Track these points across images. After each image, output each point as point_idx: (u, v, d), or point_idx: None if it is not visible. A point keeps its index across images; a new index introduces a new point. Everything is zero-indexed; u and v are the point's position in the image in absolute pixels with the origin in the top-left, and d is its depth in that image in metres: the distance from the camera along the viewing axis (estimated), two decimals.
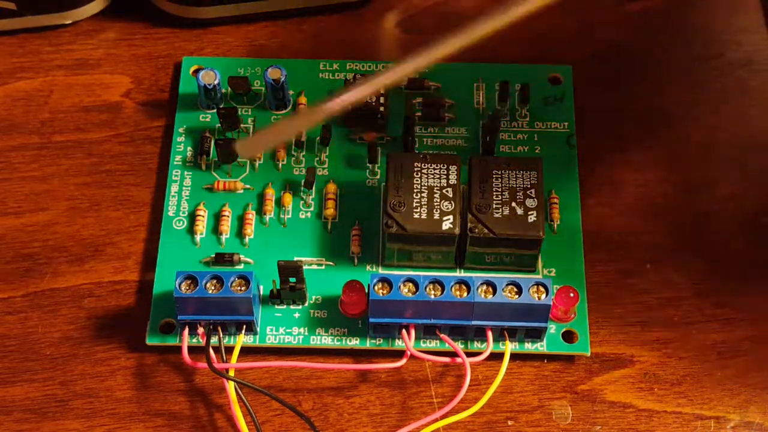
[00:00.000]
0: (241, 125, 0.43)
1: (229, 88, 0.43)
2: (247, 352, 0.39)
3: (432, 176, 0.39)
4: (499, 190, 0.39)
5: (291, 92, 0.44)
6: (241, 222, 0.41)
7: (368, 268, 0.40)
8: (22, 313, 0.40)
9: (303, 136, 0.42)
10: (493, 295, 0.37)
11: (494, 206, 0.38)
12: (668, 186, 0.43)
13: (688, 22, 0.47)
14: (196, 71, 0.43)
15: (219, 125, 0.43)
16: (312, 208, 0.41)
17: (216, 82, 0.42)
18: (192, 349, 0.38)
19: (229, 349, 0.38)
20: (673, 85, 0.45)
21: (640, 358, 0.39)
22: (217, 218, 0.41)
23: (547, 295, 0.37)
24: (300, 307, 0.39)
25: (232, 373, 0.37)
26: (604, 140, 0.44)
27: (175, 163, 0.42)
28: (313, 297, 0.39)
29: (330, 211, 0.41)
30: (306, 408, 0.38)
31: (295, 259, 0.40)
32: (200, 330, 0.38)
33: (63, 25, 0.46)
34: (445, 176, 0.39)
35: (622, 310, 0.40)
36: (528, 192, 0.39)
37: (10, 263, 0.41)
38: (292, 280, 0.38)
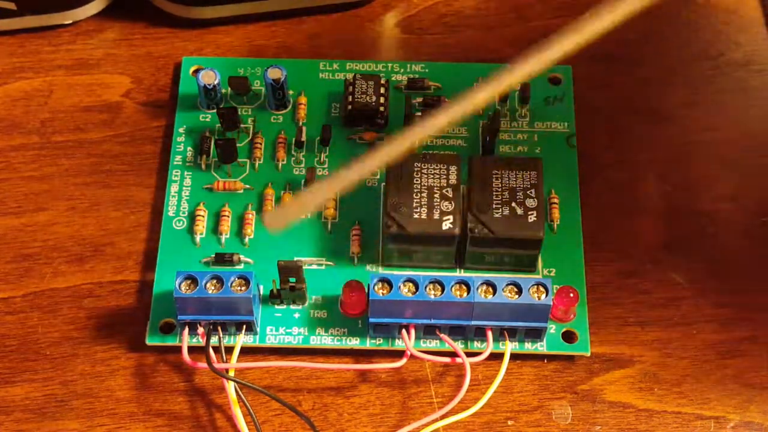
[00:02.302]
0: (241, 125, 0.43)
1: (229, 88, 0.43)
2: (247, 352, 0.39)
3: (432, 176, 0.39)
4: (499, 190, 0.39)
5: (291, 92, 0.44)
6: (241, 222, 0.41)
7: (368, 268, 0.40)
8: (22, 313, 0.40)
9: (303, 136, 0.42)
10: (493, 295, 0.37)
11: (494, 206, 0.38)
12: (668, 186, 0.43)
13: (687, 22, 0.47)
14: (196, 71, 0.43)
15: (219, 125, 0.43)
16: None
17: (216, 82, 0.42)
18: (192, 349, 0.38)
19: (229, 349, 0.38)
20: (673, 85, 0.45)
21: (640, 358, 0.39)
22: (217, 218, 0.41)
23: (547, 295, 0.37)
24: (300, 307, 0.39)
25: (232, 373, 0.37)
26: (604, 140, 0.44)
27: (175, 163, 0.42)
28: (313, 297, 0.39)
29: (330, 211, 0.41)
30: (306, 408, 0.38)
31: (295, 259, 0.40)
32: (200, 330, 0.38)
33: (63, 25, 0.46)
34: (445, 176, 0.39)
35: (622, 310, 0.40)
36: (528, 192, 0.39)
37: (10, 263, 0.41)
38: (292, 280, 0.38)
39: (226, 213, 0.41)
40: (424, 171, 0.39)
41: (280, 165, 0.42)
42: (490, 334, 0.38)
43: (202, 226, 0.41)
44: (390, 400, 0.38)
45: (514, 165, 0.39)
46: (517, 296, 0.37)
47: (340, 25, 0.47)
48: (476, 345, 0.38)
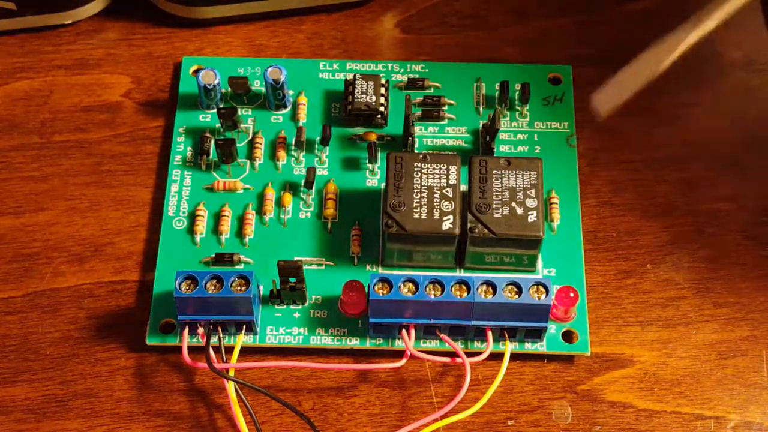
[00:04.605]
0: (241, 125, 0.43)
1: (229, 88, 0.43)
2: (247, 352, 0.39)
3: (432, 176, 0.39)
4: (499, 190, 0.39)
5: (291, 92, 0.44)
6: (241, 222, 0.41)
7: (368, 268, 0.40)
8: (22, 313, 0.40)
9: (303, 136, 0.42)
10: (493, 295, 0.37)
11: (494, 206, 0.38)
12: (668, 186, 0.43)
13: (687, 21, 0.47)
14: (196, 71, 0.43)
15: (219, 125, 0.43)
16: (312, 208, 0.41)
17: (216, 82, 0.42)
18: (192, 349, 0.38)
19: (229, 349, 0.38)
20: (673, 85, 0.45)
21: (640, 358, 0.39)
22: (217, 218, 0.41)
23: (547, 295, 0.37)
24: (300, 307, 0.39)
25: (232, 373, 0.37)
26: (604, 140, 0.44)
27: (175, 163, 0.42)
28: (313, 297, 0.39)
29: (330, 211, 0.41)
30: (306, 408, 0.38)
31: (295, 259, 0.40)
32: (200, 330, 0.38)
33: (63, 25, 0.46)
34: (445, 176, 0.39)
35: (622, 310, 0.40)
36: (528, 192, 0.39)
37: (10, 263, 0.41)
38: (292, 280, 0.38)
39: (226, 213, 0.41)
40: (424, 171, 0.39)
41: (280, 165, 0.42)
42: (490, 334, 0.38)
43: (202, 226, 0.41)
44: (390, 400, 0.38)
45: (514, 165, 0.39)
46: (517, 296, 0.37)
47: (340, 25, 0.47)
48: (476, 345, 0.39)
